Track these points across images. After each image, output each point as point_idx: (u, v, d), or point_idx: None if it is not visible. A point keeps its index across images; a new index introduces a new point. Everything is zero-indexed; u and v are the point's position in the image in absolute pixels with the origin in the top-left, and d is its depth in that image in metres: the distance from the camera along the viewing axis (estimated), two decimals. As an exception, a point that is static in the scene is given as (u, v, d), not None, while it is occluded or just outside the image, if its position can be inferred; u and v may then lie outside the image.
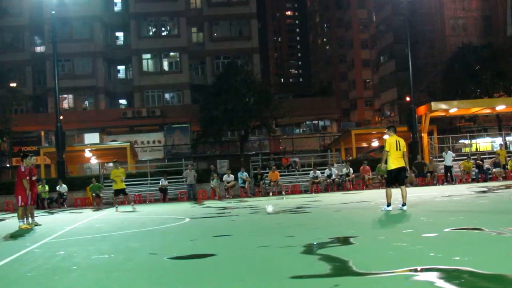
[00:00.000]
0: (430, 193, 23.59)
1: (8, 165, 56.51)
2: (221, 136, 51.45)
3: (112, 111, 61.29)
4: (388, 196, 15.47)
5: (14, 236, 14.79)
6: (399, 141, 15.46)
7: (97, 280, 7.19)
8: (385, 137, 15.97)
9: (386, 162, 15.45)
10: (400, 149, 15.30)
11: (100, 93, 62.41)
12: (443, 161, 35.25)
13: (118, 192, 26.21)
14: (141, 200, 34.49)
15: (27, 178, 17.01)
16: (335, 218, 14.56)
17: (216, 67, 62.52)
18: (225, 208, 22.36)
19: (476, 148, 46.01)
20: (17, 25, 61.66)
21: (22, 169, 17.11)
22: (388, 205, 15.41)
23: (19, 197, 17.00)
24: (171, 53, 62.91)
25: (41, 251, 10.76)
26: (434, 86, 61.88)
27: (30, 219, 17.30)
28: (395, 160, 15.31)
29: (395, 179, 15.64)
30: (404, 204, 15.23)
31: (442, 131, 47.35)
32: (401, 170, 15.48)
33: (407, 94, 50.55)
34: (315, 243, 9.25)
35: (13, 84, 56.21)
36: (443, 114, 41.65)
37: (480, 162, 35.13)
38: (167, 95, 63.25)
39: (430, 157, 38.02)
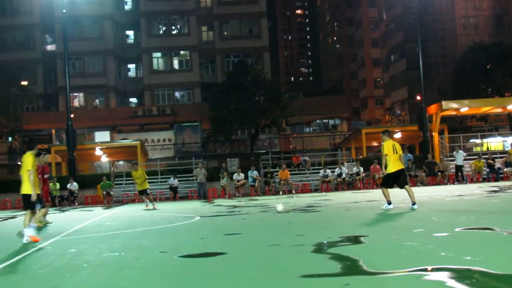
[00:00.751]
0: (441, 193, 23.52)
1: (19, 163, 56.69)
2: (231, 135, 51.45)
3: (122, 110, 61.45)
4: (387, 195, 15.81)
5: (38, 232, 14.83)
6: (395, 145, 15.89)
7: (107, 277, 7.21)
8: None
9: (386, 166, 15.79)
10: (397, 152, 15.68)
11: (111, 91, 62.61)
12: (454, 160, 35.11)
13: (141, 192, 26.12)
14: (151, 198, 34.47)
15: (39, 176, 17.04)
16: (345, 217, 14.54)
17: (226, 66, 62.56)
18: (235, 206, 22.36)
19: (487, 148, 45.79)
20: (28, 24, 61.90)
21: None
22: (389, 203, 15.69)
23: None
24: (181, 52, 62.99)
25: (52, 248, 10.79)
26: (445, 85, 61.70)
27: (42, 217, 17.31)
28: (394, 163, 15.66)
29: (395, 181, 16.01)
30: (414, 203, 15.34)
31: (453, 130, 47.20)
32: (400, 173, 15.78)
33: (418, 93, 50.40)
34: (325, 242, 9.22)
35: (24, 83, 56.41)
36: (454, 113, 41.50)
37: (491, 161, 35.00)
38: (177, 94, 63.34)
39: (441, 156, 37.87)
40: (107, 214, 22.38)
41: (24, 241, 11.79)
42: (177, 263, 8.13)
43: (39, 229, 15.63)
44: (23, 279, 7.55)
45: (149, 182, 36.60)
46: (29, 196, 12.12)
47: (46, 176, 17.71)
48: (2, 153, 57.28)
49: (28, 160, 12.24)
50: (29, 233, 11.92)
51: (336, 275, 6.43)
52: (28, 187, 12.15)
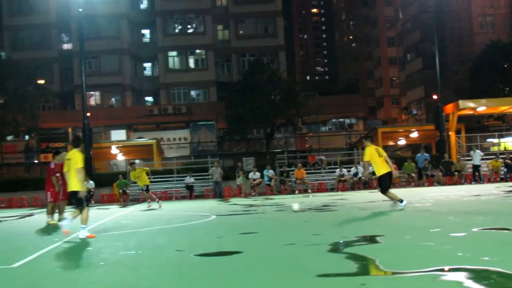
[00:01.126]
0: (458, 192, 23.42)
1: (36, 161, 57.03)
2: (247, 134, 51.43)
3: (138, 108, 61.64)
4: (394, 196, 16.15)
5: (43, 231, 14.93)
6: (378, 149, 16.59)
7: (124, 276, 7.25)
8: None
9: (372, 171, 16.23)
10: (381, 155, 16.21)
11: (127, 90, 62.80)
12: (471, 160, 34.94)
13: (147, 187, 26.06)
14: (167, 197, 34.58)
15: (58, 174, 17.14)
16: (361, 217, 14.50)
17: (241, 65, 62.57)
18: (251, 205, 22.37)
19: (505, 147, 45.52)
20: (45, 23, 62.20)
21: (52, 166, 17.28)
22: (401, 201, 15.82)
23: (48, 193, 17.15)
24: (197, 51, 63.07)
25: (69, 246, 10.87)
26: (462, 84, 61.32)
27: (58, 215, 17.39)
28: (382, 165, 16.13)
29: (391, 182, 16.84)
30: (402, 201, 15.73)
31: (470, 129, 46.87)
32: (390, 174, 16.29)
33: (434, 92, 50.18)
34: (341, 241, 9.22)
35: (41, 81, 56.71)
36: (471, 112, 41.27)
37: (509, 161, 34.79)
38: (193, 93, 63.44)
39: (458, 156, 37.72)
40: (123, 212, 22.46)
41: (81, 236, 11.87)
42: (193, 261, 8.15)
43: (57, 227, 15.75)
44: (40, 276, 7.59)
45: (165, 181, 36.99)
46: (78, 193, 12.22)
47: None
48: (19, 152, 57.60)
49: (77, 158, 12.26)
50: (83, 234, 11.98)
51: (352, 275, 6.43)
52: (77, 184, 12.22)
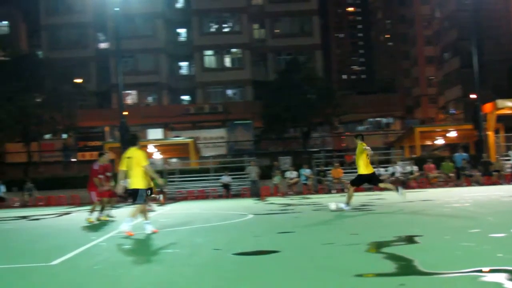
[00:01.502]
0: (497, 193, 23.13)
1: (74, 160, 57.71)
2: (283, 133, 51.44)
3: (175, 107, 61.97)
4: (350, 196, 16.69)
5: (83, 229, 15.12)
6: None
7: (162, 274, 7.32)
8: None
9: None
10: (369, 157, 16.48)
11: (163, 89, 63.23)
12: (509, 159, 34.51)
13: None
14: (203, 196, 34.74)
15: (101, 176, 17.39)
16: (399, 217, 14.43)
17: (277, 64, 62.52)
18: (288, 205, 22.37)
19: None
20: (82, 22, 62.91)
21: (96, 167, 17.50)
22: (347, 204, 16.43)
23: (93, 193, 17.40)
24: (233, 50, 63.20)
25: (107, 244, 11.00)
26: (500, 83, 60.58)
27: (104, 211, 17.55)
28: (368, 166, 16.43)
29: (364, 183, 17.66)
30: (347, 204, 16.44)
31: (509, 129, 46.25)
32: (372, 176, 16.76)
33: (472, 92, 49.65)
34: (379, 241, 9.19)
35: (79, 80, 57.30)
36: (509, 112, 40.70)
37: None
38: (229, 92, 63.60)
39: (497, 156, 37.27)
40: (161, 211, 22.60)
41: (149, 231, 12.17)
42: (231, 260, 8.20)
43: (103, 223, 15.97)
44: (79, 274, 7.70)
45: (201, 180, 37.10)
46: (142, 190, 12.41)
47: (109, 174, 18.03)
48: (57, 150, 58.34)
49: (140, 156, 12.44)
50: (126, 227, 12.22)
51: (390, 275, 6.41)
52: (140, 182, 12.40)
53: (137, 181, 12.40)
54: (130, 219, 12.39)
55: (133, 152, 12.57)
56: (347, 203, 16.27)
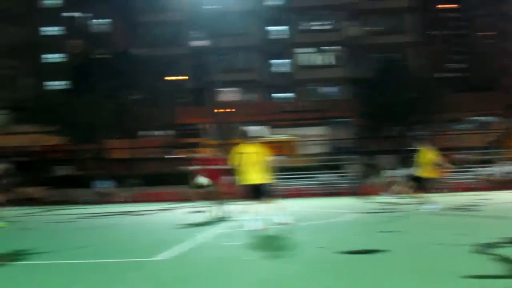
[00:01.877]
0: None
1: (173, 156, 58.75)
2: (382, 131, 50.89)
3: (271, 105, 62.14)
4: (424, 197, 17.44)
5: (185, 225, 15.35)
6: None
7: (267, 271, 7.52)
8: None
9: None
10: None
11: (260, 86, 63.54)
12: None
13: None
14: (303, 193, 34.80)
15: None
16: (507, 218, 14.12)
17: (374, 62, 61.85)
18: (388, 203, 22.23)
19: None
20: (177, 20, 63.87)
21: (208, 159, 17.68)
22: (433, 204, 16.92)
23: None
24: (330, 47, 62.95)
25: (215, 241, 11.24)
26: None
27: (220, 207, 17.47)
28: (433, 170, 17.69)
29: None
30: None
31: None
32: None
33: None
34: (485, 242, 9.09)
35: (176, 78, 58.16)
36: None
37: None
38: (326, 89, 63.39)
39: None
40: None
41: (277, 221, 12.80)
42: (334, 259, 8.32)
43: (212, 220, 16.17)
44: (189, 269, 7.99)
45: (301, 178, 37.16)
46: (264, 185, 12.61)
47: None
48: (156, 147, 59.54)
49: (260, 151, 12.62)
50: (281, 219, 12.82)
51: (498, 277, 6.38)
52: (263, 177, 12.60)
53: (260, 177, 12.42)
54: (279, 213, 12.62)
55: (253, 148, 12.64)
56: (432, 203, 16.23)
